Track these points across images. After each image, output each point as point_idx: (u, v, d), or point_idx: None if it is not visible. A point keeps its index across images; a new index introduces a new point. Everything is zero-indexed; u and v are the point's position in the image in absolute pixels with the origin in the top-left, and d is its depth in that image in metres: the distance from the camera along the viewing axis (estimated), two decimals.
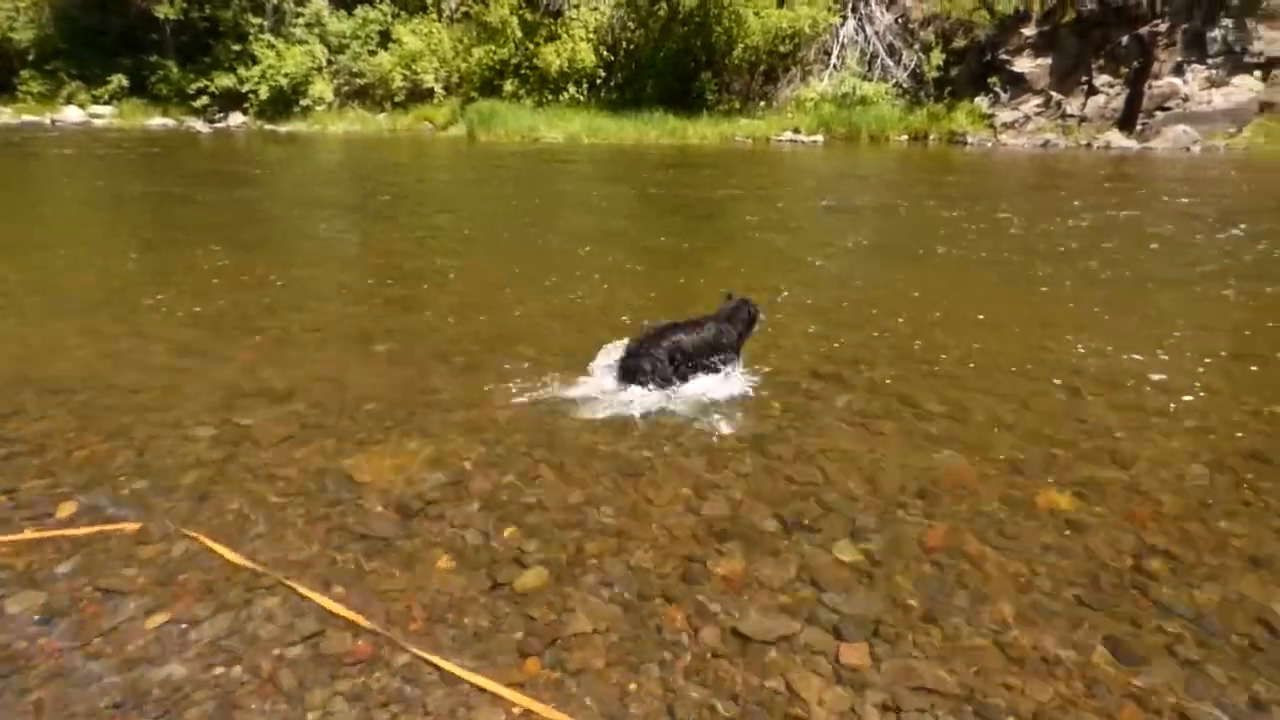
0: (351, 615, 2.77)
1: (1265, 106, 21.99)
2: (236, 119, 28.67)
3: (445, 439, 4.12)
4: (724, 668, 2.58)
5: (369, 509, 3.47)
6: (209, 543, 3.16)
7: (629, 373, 4.58)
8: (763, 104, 26.52)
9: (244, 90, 28.30)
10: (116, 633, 2.68)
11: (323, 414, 4.40)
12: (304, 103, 28.50)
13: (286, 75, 27.82)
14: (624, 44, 27.56)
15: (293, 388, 4.76)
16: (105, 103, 29.85)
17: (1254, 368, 5.31)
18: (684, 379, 4.61)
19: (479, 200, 13.19)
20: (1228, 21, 21.84)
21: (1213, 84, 22.12)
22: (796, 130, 24.62)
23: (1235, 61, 22.02)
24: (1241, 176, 16.78)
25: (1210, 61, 22.11)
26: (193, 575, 2.99)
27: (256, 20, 28.47)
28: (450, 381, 4.91)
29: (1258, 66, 21.98)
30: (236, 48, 28.35)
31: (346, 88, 29.09)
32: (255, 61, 28.12)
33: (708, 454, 3.98)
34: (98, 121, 28.59)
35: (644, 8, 26.27)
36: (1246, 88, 22.01)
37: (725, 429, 4.23)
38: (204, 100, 28.92)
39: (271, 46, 28.13)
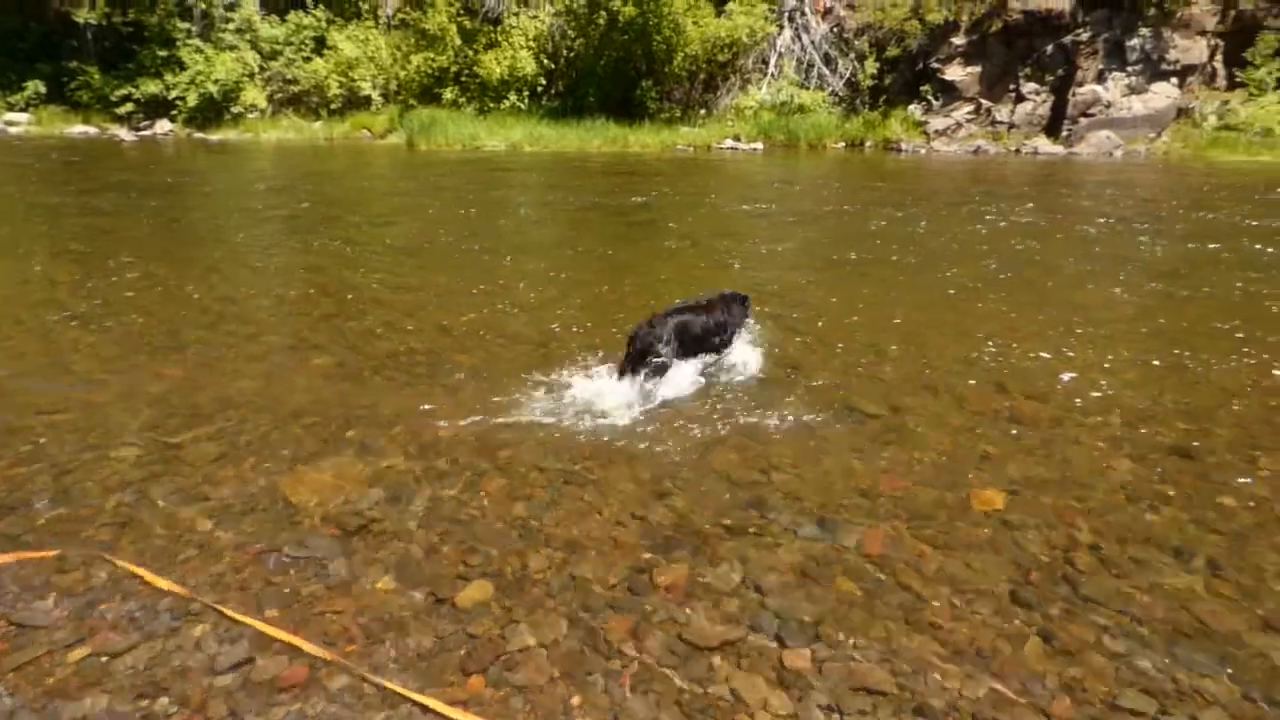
0: (286, 638, 2.68)
1: (1182, 112, 23.08)
2: (164, 126, 27.68)
3: (383, 454, 4.04)
4: (669, 676, 2.58)
5: (305, 528, 3.37)
6: (133, 568, 3.03)
7: (641, 352, 4.68)
8: (703, 112, 26.73)
9: (171, 97, 27.35)
10: (31, 668, 2.55)
11: (254, 431, 4.27)
12: (235, 110, 27.65)
13: (216, 82, 26.94)
14: (565, 52, 27.50)
15: (222, 404, 4.60)
16: (21, 110, 28.54)
17: (1156, 361, 5.51)
18: (690, 354, 4.89)
19: (411, 210, 12.95)
20: (1145, 31, 22.86)
21: (1133, 91, 23.10)
22: (737, 138, 24.87)
23: (1153, 69, 23.05)
24: (1156, 180, 17.55)
25: (1130, 69, 23.10)
26: (115, 604, 2.85)
27: (184, 25, 27.56)
28: (385, 395, 4.80)
29: (1174, 74, 23.06)
30: (163, 53, 27.35)
31: (280, 95, 28.32)
32: (183, 67, 27.19)
33: (651, 464, 3.97)
34: (13, 129, 27.28)
35: (584, 16, 26.23)
36: (1164, 94, 23.06)
37: (667, 438, 4.23)
38: (128, 107, 27.81)
39: (200, 52, 27.25)
